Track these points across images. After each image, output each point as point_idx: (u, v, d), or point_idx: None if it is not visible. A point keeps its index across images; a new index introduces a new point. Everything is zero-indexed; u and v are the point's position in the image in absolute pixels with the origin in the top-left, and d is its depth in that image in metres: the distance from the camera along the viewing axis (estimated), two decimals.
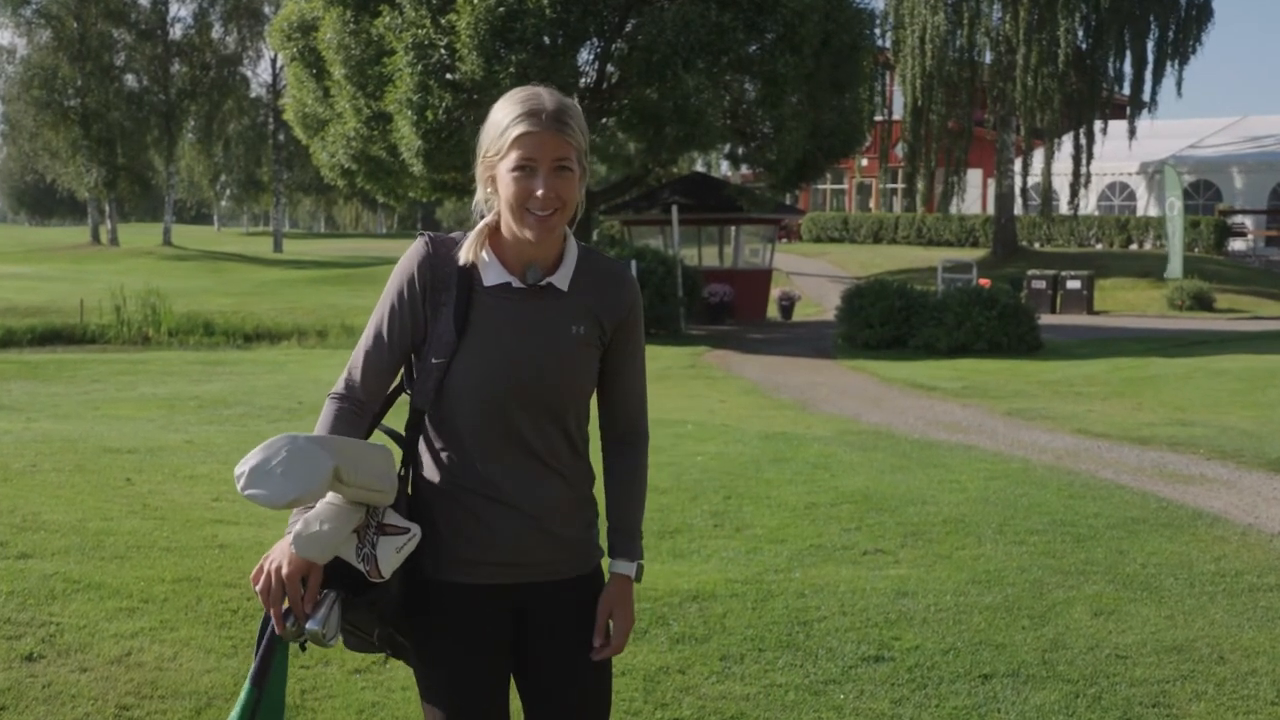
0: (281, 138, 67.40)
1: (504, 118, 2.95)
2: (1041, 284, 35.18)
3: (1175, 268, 36.67)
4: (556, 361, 3.05)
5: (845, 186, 62.07)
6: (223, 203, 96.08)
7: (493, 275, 3.04)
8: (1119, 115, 44.84)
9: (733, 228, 34.61)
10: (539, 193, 2.92)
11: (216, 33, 66.95)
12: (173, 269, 52.65)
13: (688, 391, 18.45)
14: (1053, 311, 33.79)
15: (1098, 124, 42.74)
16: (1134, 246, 45.69)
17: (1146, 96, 42.85)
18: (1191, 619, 6.99)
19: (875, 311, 25.79)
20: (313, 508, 2.89)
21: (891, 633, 6.64)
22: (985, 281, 28.30)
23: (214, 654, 5.91)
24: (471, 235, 3.06)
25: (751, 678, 5.98)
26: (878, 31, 38.79)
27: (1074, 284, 35.36)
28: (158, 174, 69.72)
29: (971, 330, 24.48)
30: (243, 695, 2.98)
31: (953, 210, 47.82)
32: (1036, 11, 40.59)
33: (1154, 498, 10.42)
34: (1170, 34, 42.24)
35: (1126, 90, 43.59)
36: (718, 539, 8.73)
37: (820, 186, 60.60)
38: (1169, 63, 42.42)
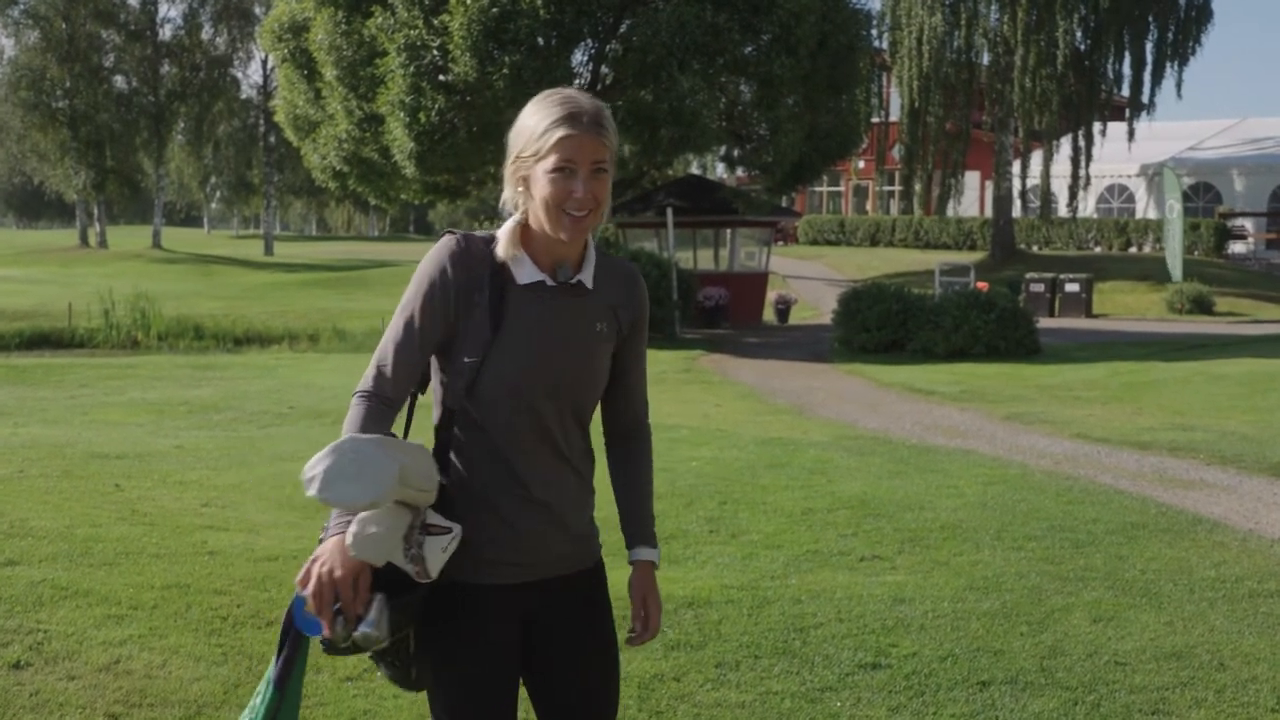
0: (272, 140, 67.44)
1: (542, 120, 3.00)
2: (1040, 287, 35.11)
3: (1175, 271, 36.62)
4: (585, 358, 3.14)
5: (842, 189, 62.08)
6: (213, 205, 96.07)
7: (526, 273, 3.08)
8: (1118, 117, 44.82)
9: (728, 230, 34.53)
10: (578, 194, 2.98)
11: (206, 33, 66.84)
12: (162, 272, 52.60)
13: (683, 396, 18.40)
14: (1051, 315, 33.71)
15: (1096, 126, 42.69)
16: (1133, 249, 45.61)
17: (1146, 98, 42.81)
18: (1191, 625, 6.95)
19: (872, 315, 25.72)
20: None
21: (889, 639, 6.60)
22: (983, 285, 28.24)
23: (203, 661, 5.88)
24: (505, 233, 3.09)
25: (747, 685, 5.95)
26: (875, 32, 38.79)
27: (1073, 287, 35.29)
28: (147, 176, 69.38)
29: (969, 334, 24.42)
30: (265, 699, 3.00)
31: (950, 213, 47.77)
32: (1035, 12, 40.54)
33: (1153, 503, 10.38)
34: (1169, 35, 42.18)
35: (1125, 92, 43.57)
36: (713, 545, 8.68)
37: (816, 189, 60.58)
38: (1168, 64, 42.36)
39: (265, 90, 69.02)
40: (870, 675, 6.08)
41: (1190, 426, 14.90)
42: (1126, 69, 42.71)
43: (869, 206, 61.03)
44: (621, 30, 27.36)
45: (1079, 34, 41.43)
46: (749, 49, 26.99)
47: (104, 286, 36.25)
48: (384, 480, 2.79)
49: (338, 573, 2.84)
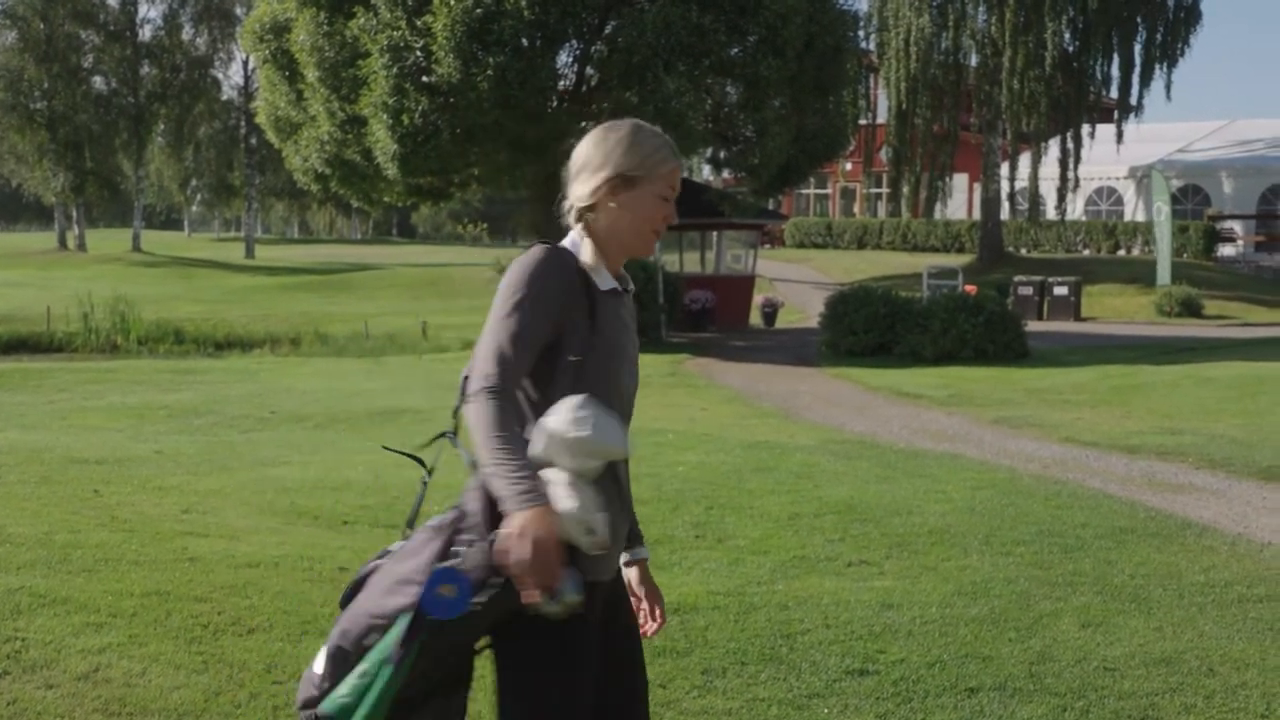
0: (253, 141, 67.14)
1: (651, 150, 3.32)
2: (1028, 290, 35.08)
3: (1163, 273, 36.62)
4: (638, 360, 3.44)
5: (829, 191, 62.06)
6: (193, 208, 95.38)
7: (605, 281, 3.33)
8: (1106, 119, 44.82)
9: (714, 233, 34.49)
10: (671, 218, 3.37)
11: (187, 34, 66.55)
12: (142, 275, 52.40)
13: (668, 400, 18.37)
14: (1039, 318, 33.66)
15: (1085, 128, 42.70)
16: (1122, 252, 45.62)
17: (1134, 100, 42.85)
18: (1180, 631, 6.93)
19: (859, 318, 25.69)
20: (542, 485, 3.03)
21: (876, 646, 6.56)
22: (971, 288, 28.24)
23: (183, 669, 5.81)
24: (585, 244, 3.34)
25: (733, 692, 5.91)
26: (862, 34, 38.70)
27: (1061, 290, 35.27)
28: (126, 178, 68.92)
29: (957, 337, 24.38)
30: (382, 678, 3.03)
31: (938, 215, 47.78)
32: (1023, 14, 40.56)
33: (1142, 507, 10.36)
34: (1158, 36, 42.18)
35: (1114, 93, 43.56)
36: (699, 550, 8.64)
37: (803, 191, 60.53)
38: (1157, 65, 42.39)
39: (246, 91, 68.74)
40: (858, 682, 6.04)
41: (1179, 430, 14.90)
42: (1115, 70, 42.74)
43: (856, 209, 61.04)
44: (606, 31, 27.25)
45: (1067, 35, 41.48)
46: (735, 50, 26.89)
47: (83, 290, 36.09)
48: (623, 436, 3.11)
49: (550, 541, 2.92)
